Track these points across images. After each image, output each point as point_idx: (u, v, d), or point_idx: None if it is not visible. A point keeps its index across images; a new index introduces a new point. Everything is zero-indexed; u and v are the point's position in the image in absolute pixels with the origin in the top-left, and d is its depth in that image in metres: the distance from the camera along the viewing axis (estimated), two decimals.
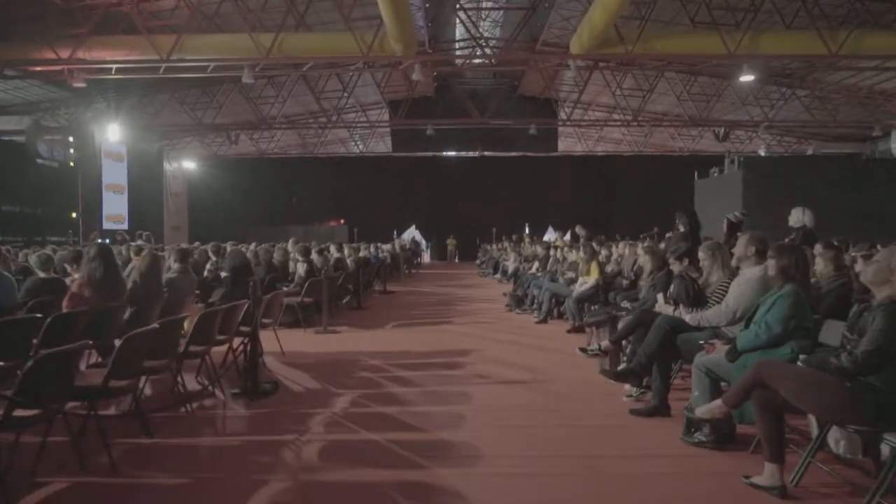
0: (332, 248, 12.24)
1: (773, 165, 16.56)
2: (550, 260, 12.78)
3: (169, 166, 27.14)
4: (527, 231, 30.83)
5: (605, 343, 6.05)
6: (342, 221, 31.77)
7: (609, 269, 10.72)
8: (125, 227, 24.85)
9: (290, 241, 13.19)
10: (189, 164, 29.12)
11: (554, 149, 35.21)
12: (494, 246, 25.23)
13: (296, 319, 10.03)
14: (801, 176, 16.09)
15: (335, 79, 29.25)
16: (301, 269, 10.29)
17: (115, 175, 24.40)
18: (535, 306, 11.35)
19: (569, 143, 37.82)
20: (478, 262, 26.74)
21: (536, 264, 14.12)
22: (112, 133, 23.91)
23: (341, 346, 8.64)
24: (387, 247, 18.72)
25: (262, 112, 29.45)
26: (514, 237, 26.06)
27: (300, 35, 21.10)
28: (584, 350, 6.17)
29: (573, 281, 10.49)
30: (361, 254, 14.10)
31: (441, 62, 25.50)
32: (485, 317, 11.51)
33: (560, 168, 32.42)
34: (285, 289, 10.57)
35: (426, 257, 32.47)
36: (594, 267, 9.74)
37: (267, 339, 7.41)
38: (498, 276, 18.87)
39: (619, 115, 31.76)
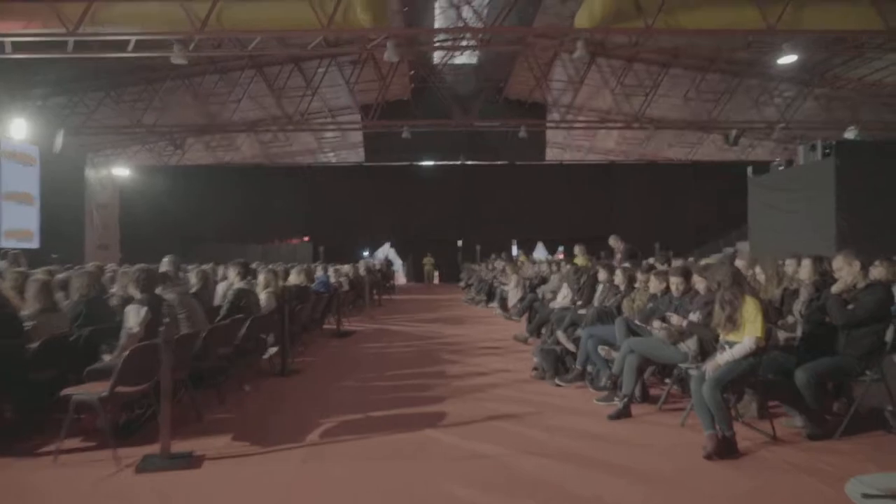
0: (231, 274, 6.52)
1: (872, 152, 11.25)
2: (601, 288, 7.15)
3: (95, 174, 21.09)
4: (515, 249, 25.28)
5: None
6: (306, 239, 25.87)
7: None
8: (35, 244, 18.79)
9: (168, 258, 7.47)
10: (121, 172, 23.01)
11: (542, 157, 29.88)
12: (483, 266, 19.59)
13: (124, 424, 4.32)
14: None
15: (298, 76, 23.65)
16: (133, 317, 4.57)
17: (20, 182, 18.32)
18: (602, 381, 5.67)
19: (556, 154, 32.52)
20: (462, 284, 21.06)
21: (565, 293, 8.51)
22: (16, 130, 17.91)
23: None
24: (345, 268, 12.92)
25: (213, 114, 23.67)
26: (503, 255, 20.51)
27: (244, 3, 15.58)
28: None
29: (681, 335, 4.90)
30: (293, 280, 8.33)
31: (418, 38, 19.81)
32: (503, 398, 5.80)
33: (550, 178, 26.95)
34: (107, 358, 4.86)
35: (401, 278, 26.63)
36: (754, 310, 4.12)
37: None
38: (495, 305, 13.19)
39: (614, 121, 26.61)
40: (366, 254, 26.15)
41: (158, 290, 5.54)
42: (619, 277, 6.70)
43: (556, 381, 6.05)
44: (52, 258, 17.99)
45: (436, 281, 26.94)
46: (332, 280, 10.62)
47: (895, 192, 10.35)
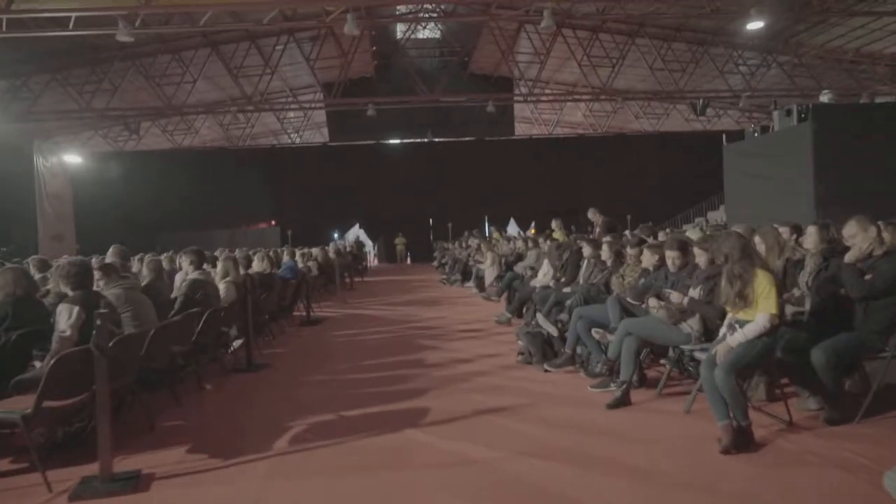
0: (185, 263, 5.81)
1: (848, 115, 11.01)
2: (586, 264, 6.69)
3: (45, 162, 19.87)
4: (487, 225, 24.83)
5: None
6: (273, 223, 25.00)
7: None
8: None
9: (113, 248, 6.84)
10: (73, 159, 21.77)
11: (510, 132, 29.35)
12: (456, 244, 19.08)
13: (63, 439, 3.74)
14: (890, 128, 10.56)
15: (255, 54, 22.56)
16: (64, 319, 3.92)
17: None
18: (597, 366, 5.20)
19: (524, 129, 32.04)
20: (435, 263, 20.55)
21: (546, 270, 8.05)
22: None
23: None
24: (314, 252, 12.24)
25: (168, 96, 22.44)
26: (475, 232, 20.06)
27: None
28: None
29: (682, 314, 4.45)
30: (256, 267, 7.61)
31: (378, 10, 18.91)
32: (489, 388, 5.32)
33: (519, 153, 26.47)
34: (38, 366, 4.24)
35: (373, 259, 25.98)
36: (767, 284, 3.67)
37: None
38: (471, 284, 12.70)
39: (581, 93, 26.17)
40: (336, 236, 25.44)
41: (101, 285, 4.91)
42: (605, 252, 6.23)
43: (545, 366, 5.57)
44: (2, 252, 16.97)
45: (408, 261, 26.39)
46: (300, 265, 9.98)
47: (872, 155, 10.11)
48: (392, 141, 27.09)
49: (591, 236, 10.07)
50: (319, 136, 31.37)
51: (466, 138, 26.67)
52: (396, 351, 6.97)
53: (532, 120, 31.54)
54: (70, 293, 4.15)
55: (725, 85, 23.07)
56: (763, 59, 22.90)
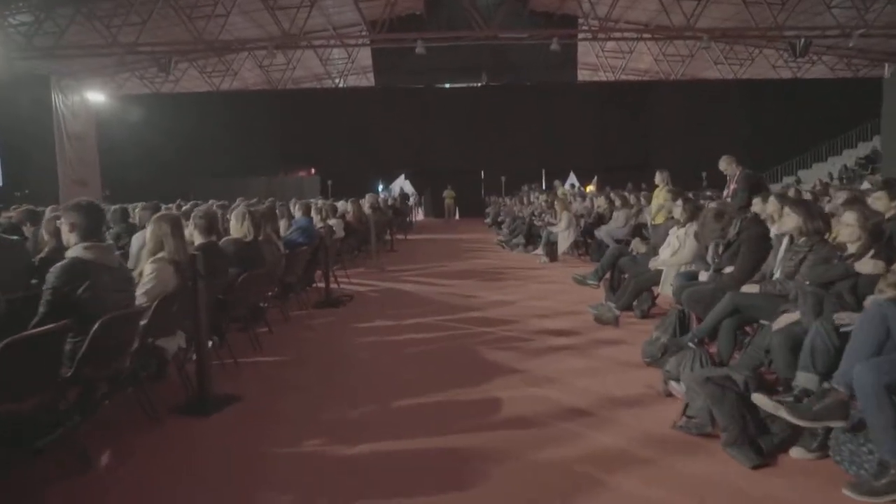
0: (63, 228, 3.02)
1: None
2: (786, 246, 3.61)
3: (65, 100, 17.48)
4: (544, 178, 21.55)
5: None
6: (312, 171, 22.30)
7: None
8: None
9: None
10: (96, 98, 19.31)
11: (573, 77, 25.60)
12: (514, 200, 15.97)
13: None
14: None
15: None
16: None
17: None
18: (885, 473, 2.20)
19: (587, 76, 28.15)
20: (487, 220, 17.53)
21: (676, 244, 5.03)
22: None
23: None
24: (341, 206, 9.25)
25: (200, 30, 19.61)
26: (534, 185, 16.93)
27: None
28: None
29: None
30: (235, 232, 4.59)
31: None
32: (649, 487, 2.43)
33: (582, 100, 22.88)
34: None
35: (419, 214, 23.05)
36: None
37: None
38: (540, 252, 9.64)
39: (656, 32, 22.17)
40: (381, 188, 22.64)
41: None
42: (851, 227, 3.12)
43: (736, 450, 2.59)
44: (17, 196, 14.93)
45: (456, 216, 23.40)
46: (319, 224, 7.16)
47: None
48: (443, 84, 23.78)
49: (721, 197, 6.96)
50: (365, 80, 28.26)
51: (525, 83, 23.19)
52: (449, 375, 4.09)
53: (597, 66, 27.61)
54: None
55: (833, 21, 18.77)
56: None
